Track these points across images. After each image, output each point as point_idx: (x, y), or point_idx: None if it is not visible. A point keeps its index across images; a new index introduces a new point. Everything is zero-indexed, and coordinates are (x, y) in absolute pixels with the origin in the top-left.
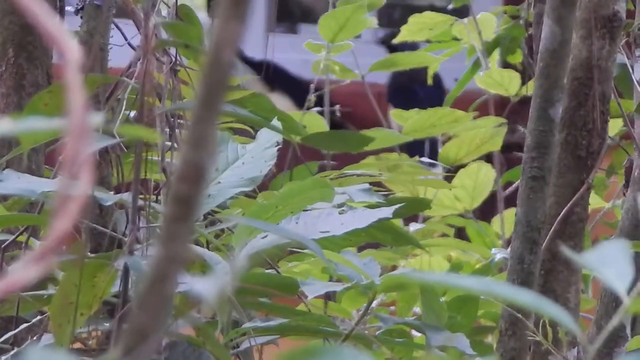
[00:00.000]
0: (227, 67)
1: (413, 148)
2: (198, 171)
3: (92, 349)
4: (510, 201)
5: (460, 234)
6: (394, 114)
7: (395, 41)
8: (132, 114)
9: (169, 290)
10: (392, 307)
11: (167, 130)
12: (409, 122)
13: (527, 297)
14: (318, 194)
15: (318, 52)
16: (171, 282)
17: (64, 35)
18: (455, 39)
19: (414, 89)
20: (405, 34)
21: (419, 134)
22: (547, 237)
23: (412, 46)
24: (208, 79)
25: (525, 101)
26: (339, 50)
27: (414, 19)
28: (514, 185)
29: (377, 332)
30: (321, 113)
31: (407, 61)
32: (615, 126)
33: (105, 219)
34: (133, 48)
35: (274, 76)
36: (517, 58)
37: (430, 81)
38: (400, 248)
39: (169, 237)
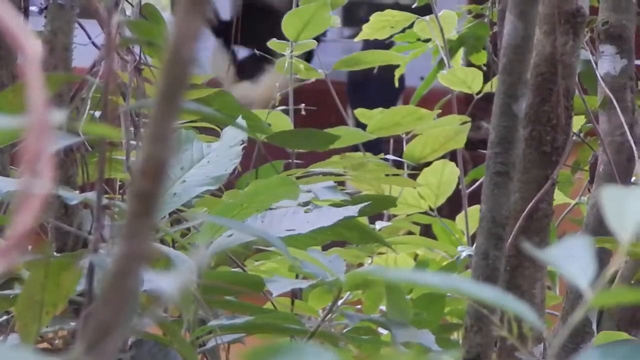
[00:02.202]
0: (187, 63)
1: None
2: (159, 166)
3: (59, 348)
4: (475, 198)
5: (427, 231)
6: (358, 112)
7: (357, 39)
8: (97, 113)
9: (132, 286)
10: (359, 306)
11: (132, 128)
12: (373, 120)
13: (492, 294)
14: (283, 192)
15: (282, 51)
16: (134, 278)
17: (26, 34)
18: (420, 39)
19: (369, 85)
20: (367, 32)
21: (384, 132)
22: (513, 233)
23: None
24: (168, 74)
25: (489, 98)
26: (303, 49)
27: (375, 17)
28: (479, 182)
29: (344, 330)
30: (286, 112)
31: (372, 59)
32: (579, 122)
33: (71, 218)
34: (97, 47)
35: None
36: (482, 58)
37: (397, 82)
38: (367, 246)
39: (131, 233)
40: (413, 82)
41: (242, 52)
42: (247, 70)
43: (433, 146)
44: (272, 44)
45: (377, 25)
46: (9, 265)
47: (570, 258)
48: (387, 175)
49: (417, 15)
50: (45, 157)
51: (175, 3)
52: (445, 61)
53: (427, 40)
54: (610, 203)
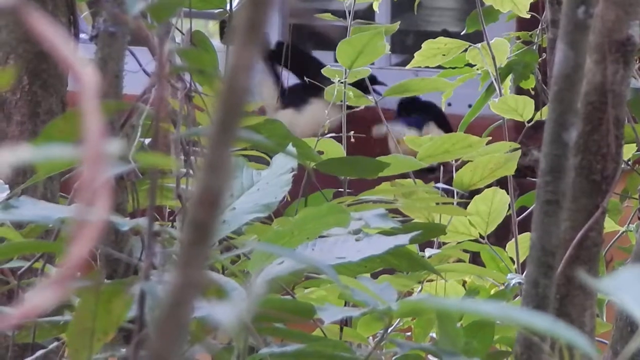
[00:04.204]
0: (243, 92)
1: None
2: (215, 196)
3: None
4: (523, 226)
5: (475, 259)
6: (408, 139)
7: (408, 67)
8: (147, 140)
9: (186, 316)
10: (408, 333)
11: (182, 156)
12: (423, 147)
13: (544, 322)
14: (334, 219)
15: (334, 78)
16: (188, 307)
17: (81, 62)
18: (469, 64)
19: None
20: (418, 60)
21: (433, 159)
22: (562, 261)
23: None
24: (224, 104)
25: (538, 126)
26: (356, 76)
27: (427, 45)
28: (528, 210)
29: (393, 358)
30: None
31: (421, 87)
32: (629, 151)
33: (121, 245)
34: (147, 74)
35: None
36: (530, 83)
37: (443, 107)
38: (416, 273)
39: (186, 262)
40: (461, 109)
41: (289, 80)
42: (293, 97)
43: (483, 173)
44: (326, 71)
45: (429, 52)
46: (63, 294)
47: (625, 288)
48: (437, 203)
49: (468, 43)
50: (101, 185)
51: (227, 33)
52: (497, 88)
53: (473, 65)
54: None
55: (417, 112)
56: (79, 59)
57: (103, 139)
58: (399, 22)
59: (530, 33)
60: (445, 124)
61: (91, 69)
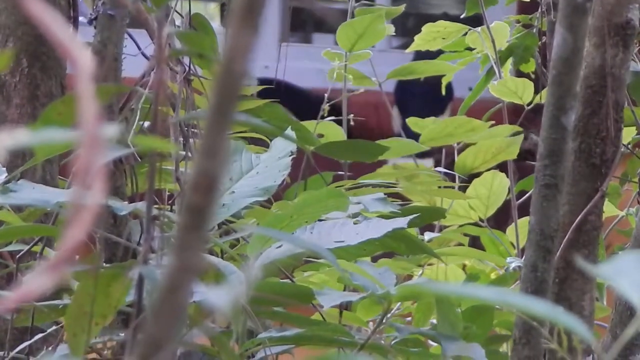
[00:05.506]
0: (239, 76)
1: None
2: (211, 180)
3: (107, 358)
4: (523, 209)
5: (475, 242)
6: (411, 122)
7: (408, 50)
8: (146, 123)
9: (183, 300)
10: (409, 318)
11: (181, 139)
12: (425, 130)
13: (542, 307)
14: (333, 203)
15: (335, 61)
16: (186, 292)
17: (77, 46)
18: (469, 48)
19: (417, 89)
20: (418, 43)
21: (436, 142)
22: (561, 245)
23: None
24: (221, 88)
25: (538, 109)
26: (357, 59)
27: (427, 28)
28: (528, 194)
29: (393, 342)
30: (338, 122)
31: (423, 70)
32: (628, 134)
33: (120, 228)
34: (147, 58)
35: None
36: (530, 67)
37: (444, 91)
38: (415, 257)
39: (183, 247)
40: (461, 92)
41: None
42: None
43: (485, 157)
44: (326, 53)
45: (429, 36)
46: (59, 278)
47: (622, 272)
48: (438, 187)
49: (468, 27)
50: (97, 169)
51: (227, 15)
52: (497, 72)
53: (473, 49)
54: None
55: (413, 95)
56: (76, 42)
57: (99, 123)
58: (403, 5)
59: (530, 16)
60: (443, 103)
61: (87, 53)
